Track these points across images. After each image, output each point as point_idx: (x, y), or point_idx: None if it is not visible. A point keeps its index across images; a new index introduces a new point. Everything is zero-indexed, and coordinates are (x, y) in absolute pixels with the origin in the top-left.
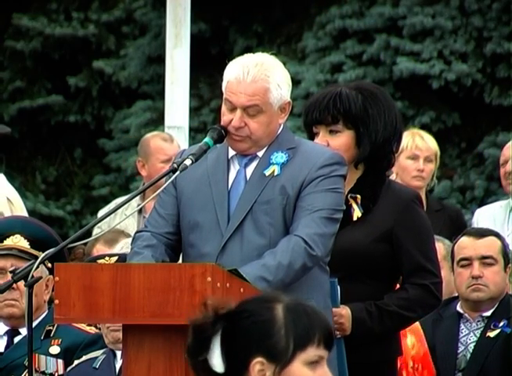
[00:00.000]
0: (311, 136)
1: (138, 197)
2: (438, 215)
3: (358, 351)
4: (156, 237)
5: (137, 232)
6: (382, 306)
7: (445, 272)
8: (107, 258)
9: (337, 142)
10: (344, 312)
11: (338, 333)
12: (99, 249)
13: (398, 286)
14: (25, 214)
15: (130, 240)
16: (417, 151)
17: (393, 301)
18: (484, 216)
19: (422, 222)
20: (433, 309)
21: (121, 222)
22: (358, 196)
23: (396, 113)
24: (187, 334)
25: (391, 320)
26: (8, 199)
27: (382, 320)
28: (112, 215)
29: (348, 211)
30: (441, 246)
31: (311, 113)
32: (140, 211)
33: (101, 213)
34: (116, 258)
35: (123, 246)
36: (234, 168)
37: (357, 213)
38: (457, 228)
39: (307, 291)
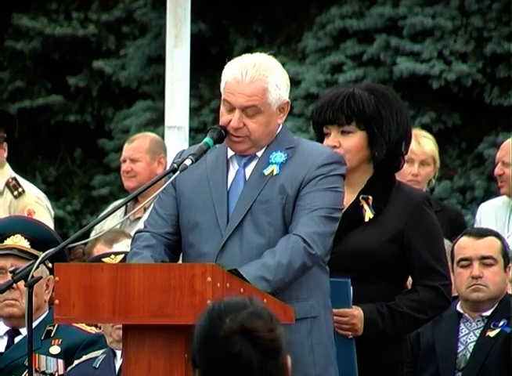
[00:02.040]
0: (321, 137)
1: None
2: (438, 216)
3: (369, 352)
4: (156, 238)
5: (137, 232)
6: (393, 307)
7: None
8: (113, 256)
9: (349, 142)
10: (357, 313)
11: (350, 334)
12: (100, 249)
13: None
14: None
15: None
16: (412, 155)
17: (404, 303)
18: (486, 211)
19: (432, 224)
20: (443, 311)
21: (117, 225)
22: (370, 197)
23: (407, 115)
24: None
25: (403, 322)
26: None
27: (393, 322)
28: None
29: (360, 212)
30: None
31: (324, 113)
32: (126, 214)
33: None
34: (121, 256)
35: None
36: (233, 168)
37: (368, 214)
38: (457, 229)
39: (306, 291)
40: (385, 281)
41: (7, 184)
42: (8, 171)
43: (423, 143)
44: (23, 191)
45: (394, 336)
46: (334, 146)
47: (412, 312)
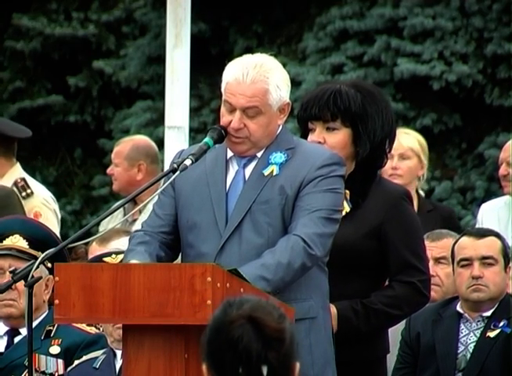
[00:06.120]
0: (306, 132)
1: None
2: (430, 215)
3: (348, 350)
4: (150, 235)
5: (134, 232)
6: (368, 305)
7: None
8: (114, 255)
9: (333, 139)
10: (331, 310)
11: None
12: (93, 248)
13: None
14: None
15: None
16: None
17: (379, 299)
18: (488, 212)
19: (411, 219)
20: (421, 307)
21: (116, 225)
22: (347, 191)
23: (392, 113)
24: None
25: (377, 319)
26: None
27: (368, 319)
28: (107, 219)
29: None
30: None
31: (310, 109)
32: (124, 214)
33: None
34: (122, 255)
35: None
36: (233, 169)
37: (345, 208)
38: (450, 228)
39: (305, 292)
40: (363, 277)
41: (15, 184)
42: (17, 171)
43: (401, 138)
44: (32, 193)
45: (370, 333)
46: (319, 142)
47: (387, 309)
